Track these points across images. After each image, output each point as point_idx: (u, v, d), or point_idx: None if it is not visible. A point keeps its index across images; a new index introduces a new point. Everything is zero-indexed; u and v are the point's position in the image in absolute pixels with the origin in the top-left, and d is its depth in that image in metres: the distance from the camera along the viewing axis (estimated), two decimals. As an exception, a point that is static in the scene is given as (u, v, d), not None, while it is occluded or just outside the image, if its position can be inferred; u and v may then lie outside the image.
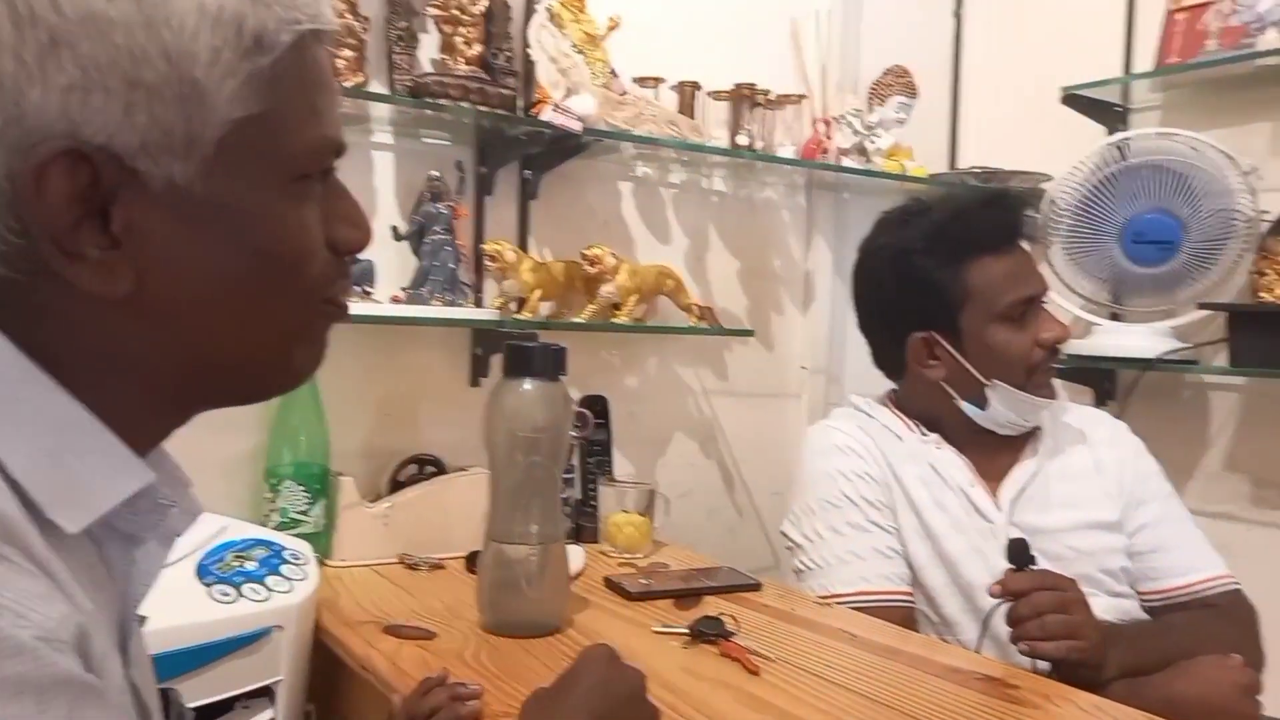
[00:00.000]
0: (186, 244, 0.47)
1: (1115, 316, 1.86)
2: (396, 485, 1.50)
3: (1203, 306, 1.71)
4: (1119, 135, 1.80)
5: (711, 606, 1.23)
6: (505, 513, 1.12)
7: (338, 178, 0.54)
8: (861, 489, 1.31)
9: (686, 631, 1.11)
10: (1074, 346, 1.89)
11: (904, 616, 1.25)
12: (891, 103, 1.86)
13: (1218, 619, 1.25)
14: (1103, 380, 1.90)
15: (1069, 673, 1.06)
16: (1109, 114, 1.88)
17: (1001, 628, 1.11)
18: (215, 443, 1.40)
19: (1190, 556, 1.30)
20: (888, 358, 1.40)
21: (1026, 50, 2.07)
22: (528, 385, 1.11)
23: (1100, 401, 1.89)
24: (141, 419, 0.51)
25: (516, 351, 1.13)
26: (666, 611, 1.23)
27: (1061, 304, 1.83)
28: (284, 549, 1.17)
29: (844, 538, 1.30)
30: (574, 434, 1.50)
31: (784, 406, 2.01)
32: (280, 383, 0.55)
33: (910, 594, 1.28)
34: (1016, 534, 1.25)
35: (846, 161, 1.83)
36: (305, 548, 1.20)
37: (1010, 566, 1.12)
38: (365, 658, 1.05)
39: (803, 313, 2.01)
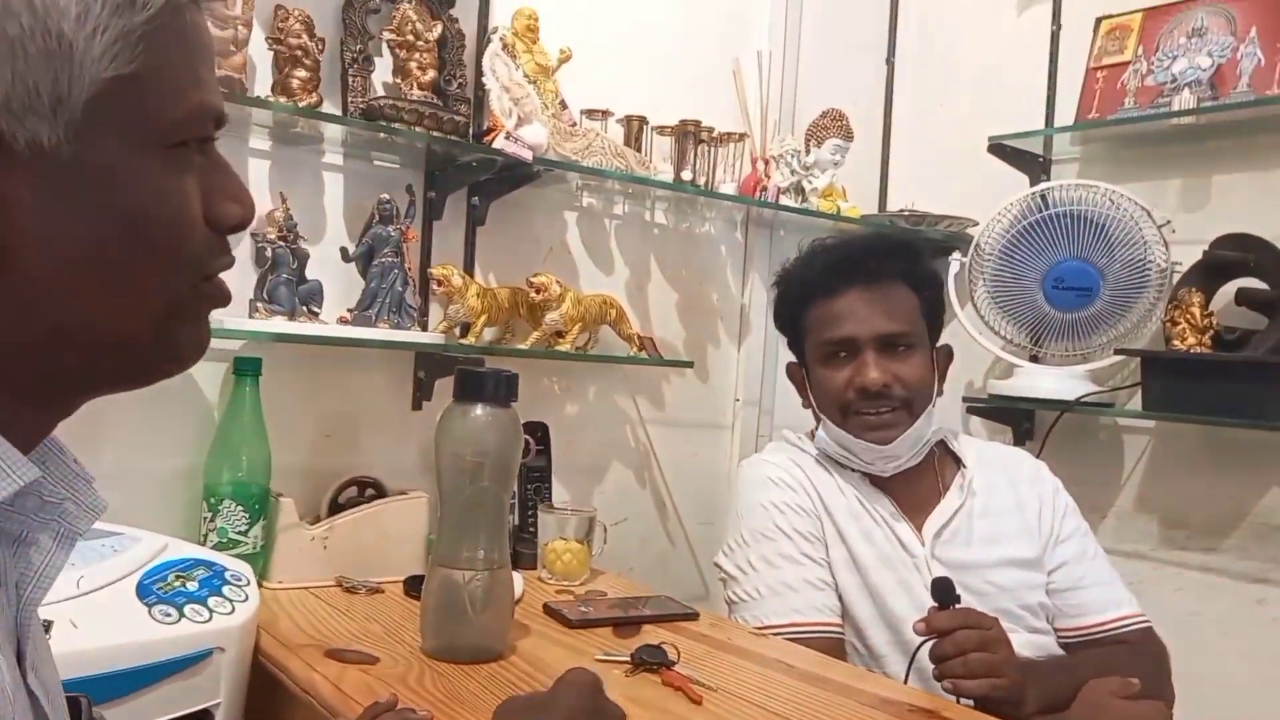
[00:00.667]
0: (54, 211, 0.45)
1: (1035, 359, 1.99)
2: (336, 507, 1.52)
3: (1119, 352, 1.84)
4: (1041, 185, 1.94)
5: (650, 635, 1.28)
6: (452, 537, 1.16)
7: (219, 151, 0.53)
8: (794, 521, 1.38)
9: (629, 660, 1.16)
10: (995, 387, 2.02)
11: (834, 647, 1.32)
12: (828, 144, 1.97)
13: (1130, 656, 1.34)
14: (1022, 420, 2.03)
15: (991, 709, 1.12)
16: (1032, 164, 2.02)
17: (927, 663, 1.19)
18: (153, 460, 1.42)
19: (1105, 595, 1.39)
20: None
21: (955, 99, 2.21)
22: (479, 411, 1.15)
23: (1019, 440, 2.01)
24: (16, 409, 0.48)
25: (468, 377, 1.17)
26: (606, 639, 1.27)
27: (981, 344, 1.95)
28: (225, 569, 1.19)
29: (776, 569, 1.36)
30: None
31: (717, 437, 2.08)
32: (162, 365, 0.53)
33: (840, 625, 1.35)
34: (939, 568, 1.34)
35: (784, 200, 1.93)
36: (246, 569, 1.22)
37: (935, 605, 1.20)
38: (308, 681, 1.07)
39: (737, 346, 2.09)
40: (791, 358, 1.52)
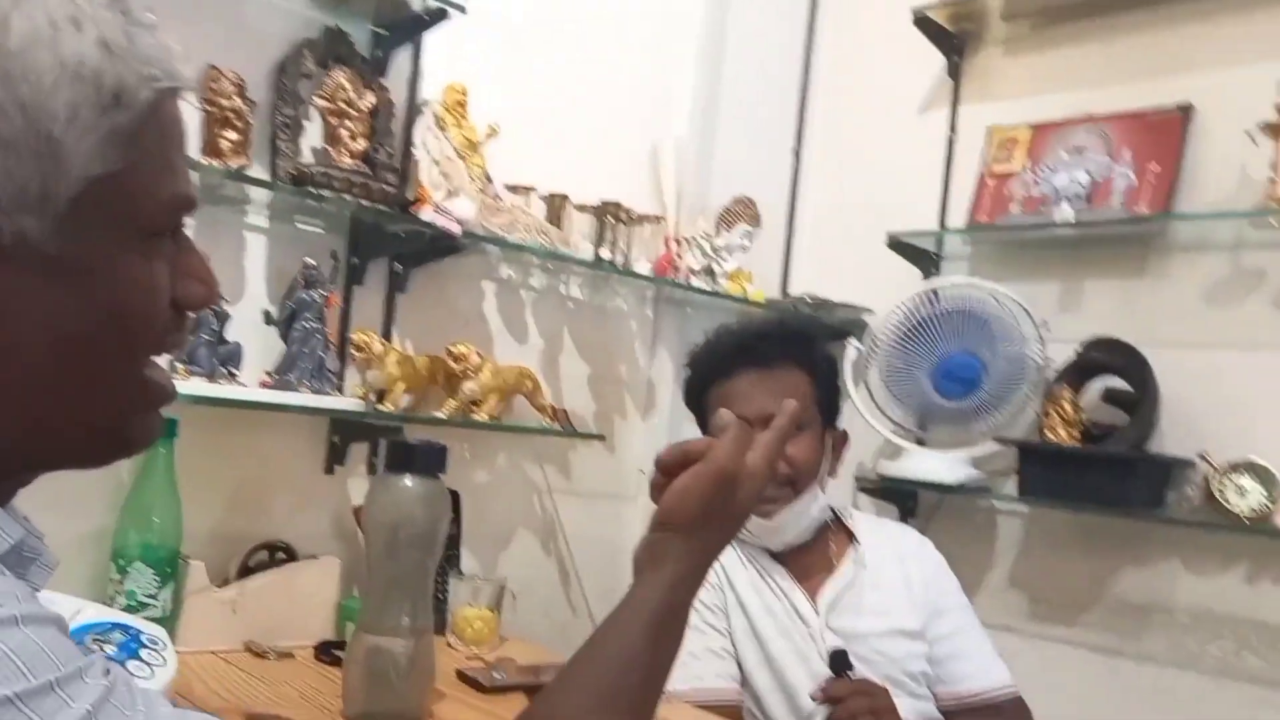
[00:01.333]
0: (32, 301, 0.49)
1: (921, 442, 2.19)
2: (246, 571, 1.57)
3: (997, 440, 2.06)
4: (933, 282, 2.16)
5: (561, 701, 1.38)
6: (378, 604, 1.24)
7: (186, 233, 0.57)
8: (700, 593, 1.51)
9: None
10: (884, 467, 2.21)
11: (733, 713, 1.44)
12: (738, 229, 2.15)
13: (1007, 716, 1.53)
14: (907, 499, 2.22)
15: None
16: (925, 260, 2.24)
17: None
18: (61, 520, 1.41)
19: (981, 665, 1.56)
20: None
21: (856, 193, 2.42)
22: (408, 481, 1.24)
23: (904, 518, 2.20)
24: None
25: (399, 448, 1.26)
26: (520, 704, 1.35)
27: (873, 425, 2.14)
28: (141, 633, 1.22)
29: (692, 655, 1.47)
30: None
31: (621, 508, 2.21)
32: (121, 450, 0.57)
33: (739, 692, 1.48)
34: (833, 637, 1.49)
35: (695, 281, 2.09)
36: (161, 633, 1.26)
37: (830, 674, 1.35)
38: (230, 746, 1.13)
39: (644, 418, 2.23)
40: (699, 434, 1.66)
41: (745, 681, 1.49)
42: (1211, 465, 1.83)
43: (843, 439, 1.64)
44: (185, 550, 1.47)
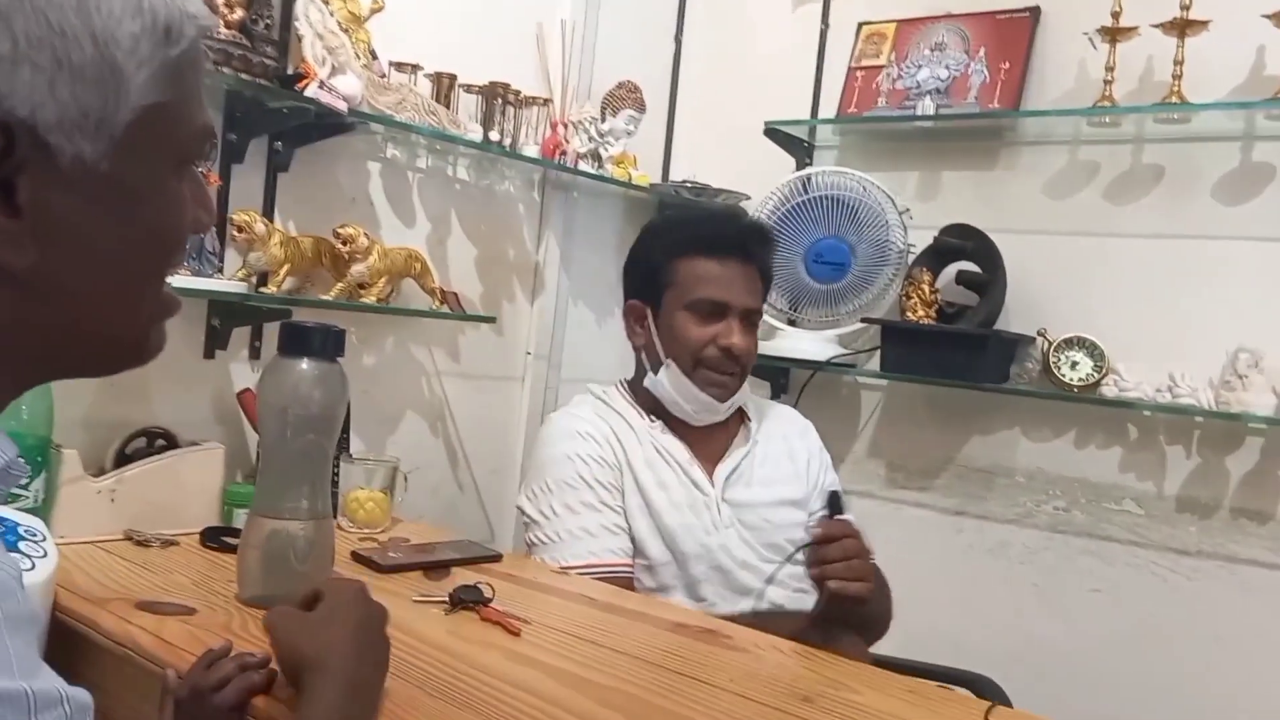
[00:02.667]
0: (86, 220, 0.50)
1: (793, 323, 2.19)
2: (123, 459, 1.43)
3: (863, 320, 2.07)
4: (805, 170, 2.12)
5: (459, 577, 1.32)
6: (274, 488, 1.14)
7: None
8: (595, 471, 1.47)
9: (446, 600, 1.20)
10: (759, 347, 2.20)
11: (626, 584, 1.43)
12: (623, 114, 2.04)
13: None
14: (779, 377, 2.23)
15: (846, 609, 1.29)
16: (799, 148, 2.20)
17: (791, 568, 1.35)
18: None
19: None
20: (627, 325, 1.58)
21: (735, 82, 2.34)
22: (305, 365, 1.13)
23: (775, 394, 2.21)
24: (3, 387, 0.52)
25: (294, 330, 1.15)
26: (418, 582, 1.30)
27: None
28: (18, 525, 1.10)
29: (577, 515, 1.44)
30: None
31: (509, 389, 2.13)
32: (134, 360, 0.57)
33: (631, 565, 1.46)
34: (727, 508, 1.49)
35: (581, 165, 1.99)
36: (40, 525, 1.13)
37: (825, 513, 1.33)
38: (124, 635, 1.03)
39: (531, 302, 2.14)
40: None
41: (638, 552, 1.47)
42: (1049, 341, 1.89)
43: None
44: (57, 439, 1.33)
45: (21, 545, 1.07)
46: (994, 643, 1.94)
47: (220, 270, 1.51)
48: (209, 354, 1.59)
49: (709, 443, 1.54)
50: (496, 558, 1.45)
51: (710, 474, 1.52)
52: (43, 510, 1.29)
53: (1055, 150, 1.99)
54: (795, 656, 1.17)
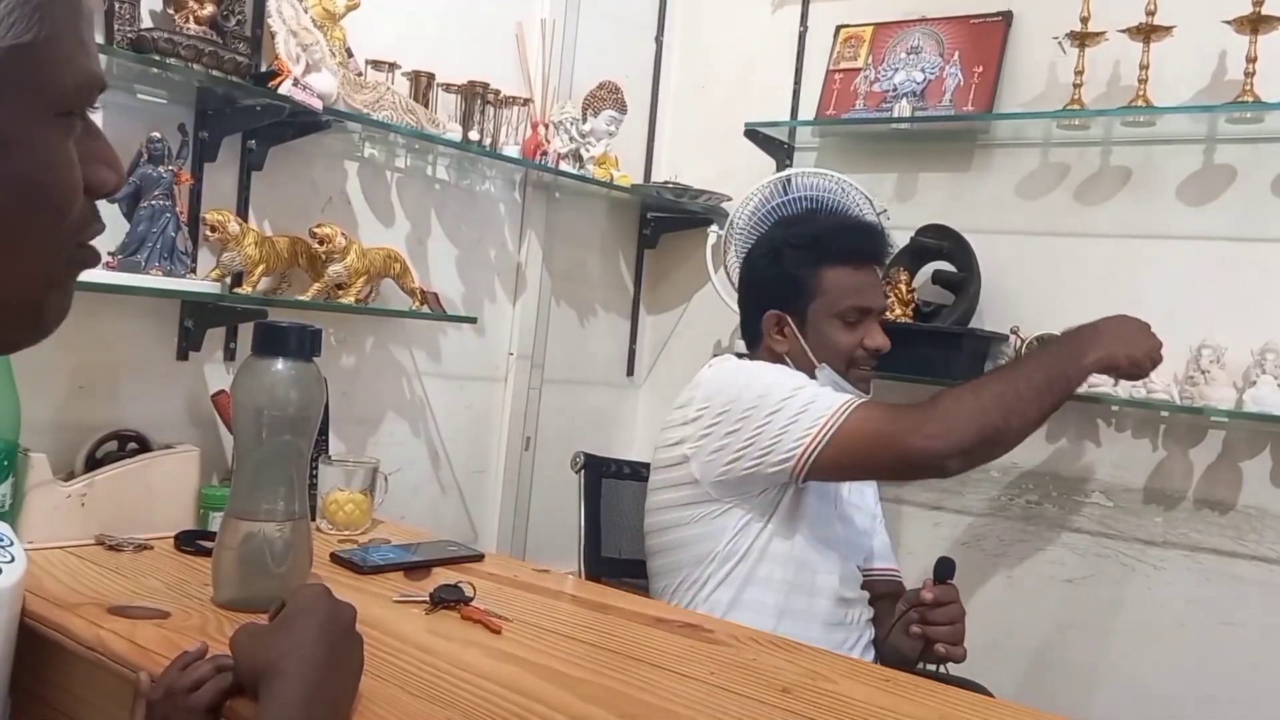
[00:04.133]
0: None
1: (773, 321, 2.15)
2: (94, 462, 1.38)
3: (843, 320, 2.04)
4: (786, 171, 2.09)
5: (440, 577, 1.28)
6: (249, 490, 1.10)
7: (91, 118, 0.52)
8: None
9: (427, 599, 1.17)
10: (738, 346, 2.15)
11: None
12: (604, 115, 2.01)
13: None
14: (759, 375, 2.20)
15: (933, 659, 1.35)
16: (779, 149, 2.18)
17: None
18: None
19: (886, 549, 1.67)
20: (750, 329, 1.60)
21: (715, 83, 2.32)
22: (280, 365, 1.09)
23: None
24: None
25: (270, 330, 1.11)
26: (399, 583, 1.27)
27: (729, 305, 2.08)
28: (-16, 530, 1.05)
29: (805, 389, 1.40)
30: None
31: (492, 390, 2.09)
32: (28, 332, 0.51)
33: None
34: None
35: (563, 165, 1.95)
36: (7, 529, 1.08)
37: (932, 579, 1.38)
38: (95, 639, 0.99)
39: (513, 302, 2.10)
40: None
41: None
42: (1021, 338, 1.88)
43: None
44: (24, 442, 1.27)
45: (-13, 550, 1.02)
46: (971, 634, 1.92)
47: (193, 270, 1.46)
48: (182, 355, 1.54)
49: None
50: (479, 557, 1.41)
51: None
52: (10, 515, 1.24)
53: (1027, 152, 1.99)
54: (773, 648, 1.15)
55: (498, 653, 1.03)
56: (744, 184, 2.08)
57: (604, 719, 0.87)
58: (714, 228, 2.09)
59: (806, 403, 1.37)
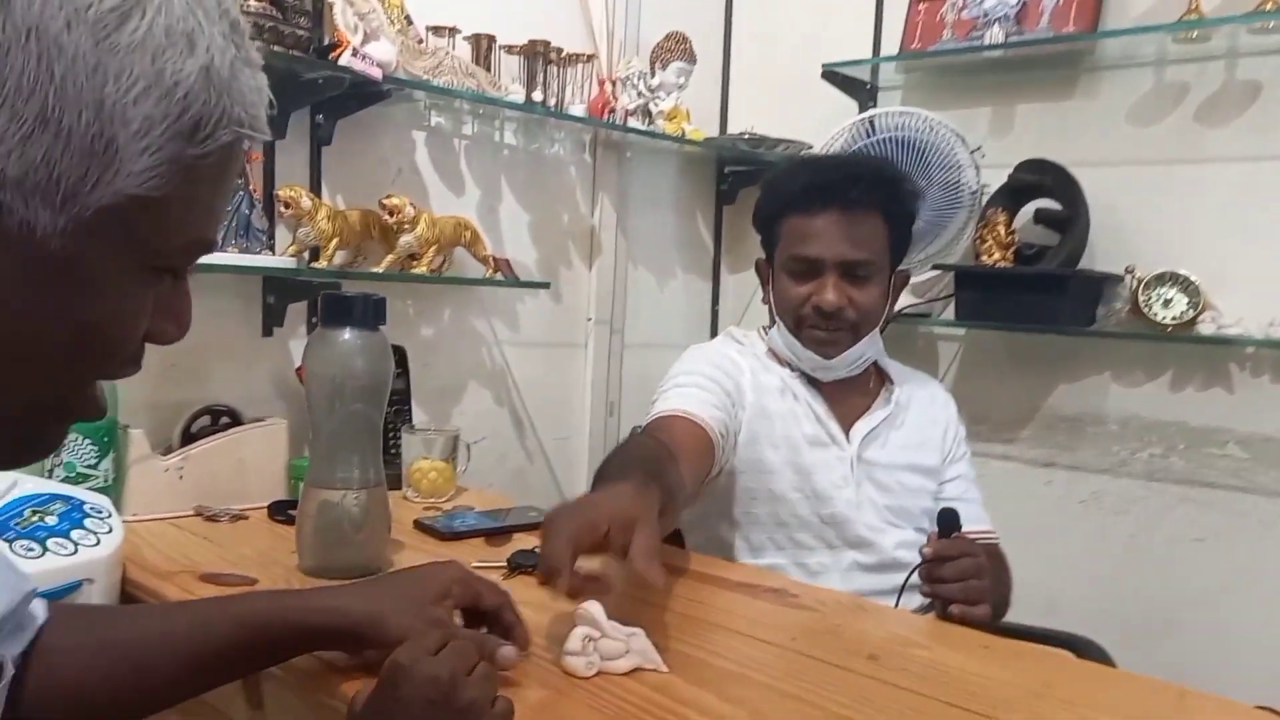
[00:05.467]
0: (10, 291, 0.43)
1: (862, 274, 2.12)
2: (189, 437, 1.47)
3: (936, 267, 2.00)
4: (869, 112, 2.05)
5: (520, 542, 1.32)
6: (326, 459, 1.15)
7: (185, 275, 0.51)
8: (714, 374, 1.42)
9: (504, 564, 1.21)
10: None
11: (692, 429, 1.32)
12: (672, 67, 2.00)
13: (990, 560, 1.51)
14: (850, 331, 2.17)
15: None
16: (860, 90, 2.13)
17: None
18: None
19: (976, 511, 1.55)
20: None
21: (790, 26, 2.28)
22: (347, 334, 1.14)
23: (848, 350, 2.15)
24: None
25: (334, 301, 1.15)
26: (479, 549, 1.31)
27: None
28: (84, 503, 1.14)
29: (681, 387, 1.39)
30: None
31: (571, 356, 2.13)
32: (13, 460, 0.50)
33: (703, 421, 1.34)
34: (861, 465, 1.45)
35: (632, 122, 1.95)
36: (105, 501, 1.17)
37: (936, 531, 1.24)
38: (186, 607, 1.06)
39: (589, 266, 2.13)
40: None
41: (764, 489, 1.43)
42: (1138, 279, 1.80)
43: (905, 280, 1.56)
44: (123, 420, 1.37)
45: (86, 522, 1.11)
46: (1089, 600, 1.87)
47: (270, 247, 1.53)
48: (267, 332, 1.62)
49: (847, 401, 1.50)
50: (558, 523, 1.44)
51: (847, 431, 1.49)
52: (113, 489, 1.34)
53: (1138, 73, 1.89)
54: (860, 614, 1.14)
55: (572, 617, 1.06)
56: (825, 130, 2.04)
57: (679, 687, 0.87)
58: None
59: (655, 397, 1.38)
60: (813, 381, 1.50)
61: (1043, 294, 1.85)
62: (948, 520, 1.26)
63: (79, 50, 0.40)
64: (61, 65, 0.40)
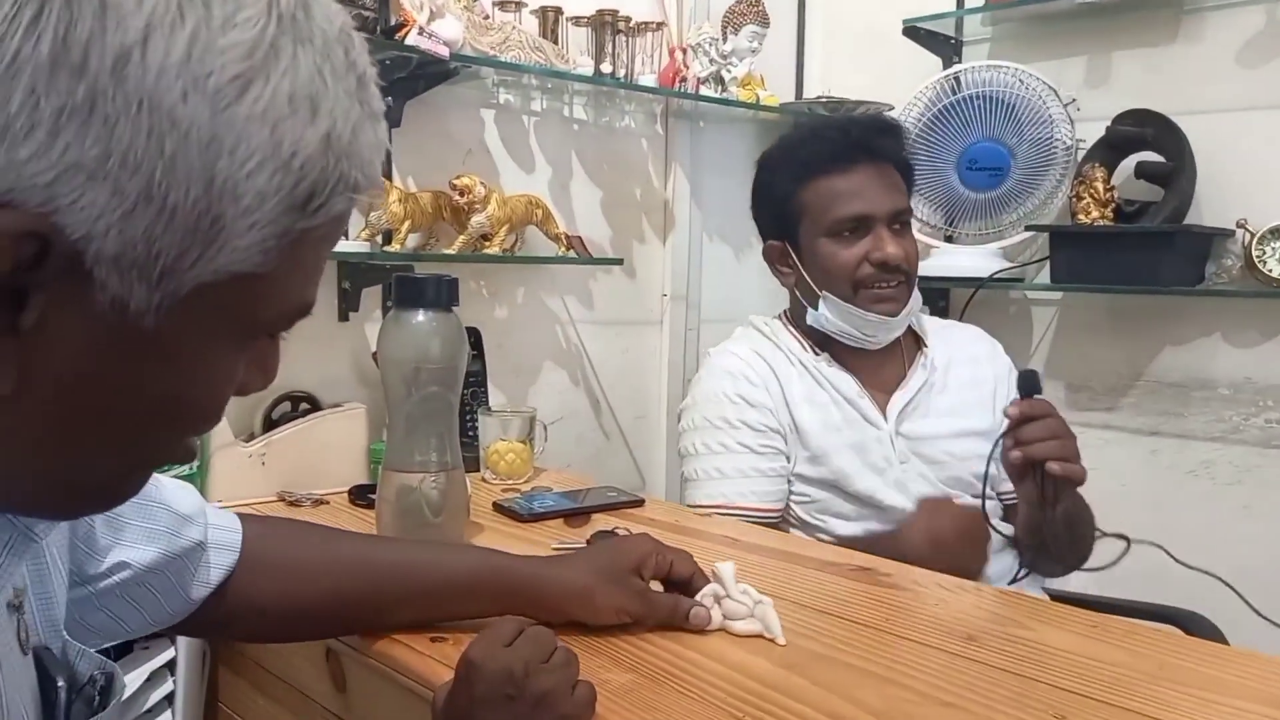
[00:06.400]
0: (97, 365, 0.41)
1: (949, 239, 2.06)
2: (270, 423, 1.50)
3: (1028, 228, 1.92)
4: (954, 68, 1.97)
5: (600, 523, 1.32)
6: (402, 443, 1.16)
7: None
8: (743, 412, 1.42)
9: (584, 545, 1.20)
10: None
11: (771, 525, 1.38)
12: (745, 32, 1.96)
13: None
14: (938, 298, 2.11)
15: (1054, 492, 1.14)
16: (944, 46, 2.05)
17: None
18: None
19: None
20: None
21: (867, -19, 2.21)
22: (420, 317, 1.14)
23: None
24: None
25: (406, 283, 1.16)
26: (559, 530, 1.31)
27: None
28: (170, 491, 1.17)
29: (715, 455, 1.41)
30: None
31: (648, 333, 2.11)
32: (98, 508, 0.50)
33: (774, 510, 1.39)
34: (902, 442, 1.41)
35: (704, 90, 1.92)
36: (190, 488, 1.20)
37: (1019, 397, 1.17)
38: (271, 592, 1.08)
39: (663, 241, 2.10)
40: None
41: (808, 498, 1.41)
42: (1250, 232, 1.70)
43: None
44: (206, 407, 1.40)
45: (172, 510, 1.14)
46: (1199, 575, 1.78)
47: (344, 232, 1.55)
48: (343, 316, 1.64)
49: (880, 373, 1.46)
50: (639, 502, 1.43)
51: (883, 407, 1.44)
52: (198, 476, 1.38)
53: (1248, 12, 1.77)
54: (958, 592, 1.10)
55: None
56: (907, 90, 1.98)
57: (765, 669, 0.86)
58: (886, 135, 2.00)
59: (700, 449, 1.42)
60: (840, 361, 1.46)
61: (1146, 252, 1.76)
62: (1028, 381, 1.18)
63: (194, 124, 0.37)
64: (173, 141, 0.37)
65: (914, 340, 1.51)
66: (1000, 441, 1.16)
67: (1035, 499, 1.16)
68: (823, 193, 1.40)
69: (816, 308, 1.44)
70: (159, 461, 0.49)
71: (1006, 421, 1.16)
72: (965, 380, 1.48)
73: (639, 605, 0.91)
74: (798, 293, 1.48)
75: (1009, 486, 1.45)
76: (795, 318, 1.52)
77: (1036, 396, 1.17)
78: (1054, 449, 1.13)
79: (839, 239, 1.40)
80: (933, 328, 1.53)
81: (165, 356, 0.42)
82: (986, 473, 1.23)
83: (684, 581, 0.95)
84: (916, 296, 1.45)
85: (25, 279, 0.37)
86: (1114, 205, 1.83)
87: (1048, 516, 1.16)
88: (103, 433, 0.43)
